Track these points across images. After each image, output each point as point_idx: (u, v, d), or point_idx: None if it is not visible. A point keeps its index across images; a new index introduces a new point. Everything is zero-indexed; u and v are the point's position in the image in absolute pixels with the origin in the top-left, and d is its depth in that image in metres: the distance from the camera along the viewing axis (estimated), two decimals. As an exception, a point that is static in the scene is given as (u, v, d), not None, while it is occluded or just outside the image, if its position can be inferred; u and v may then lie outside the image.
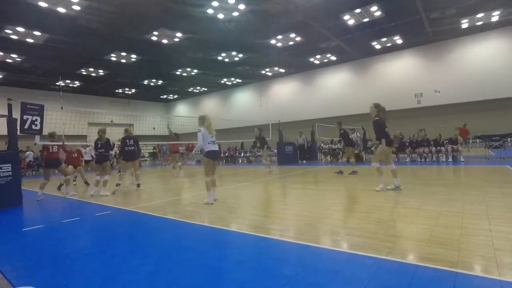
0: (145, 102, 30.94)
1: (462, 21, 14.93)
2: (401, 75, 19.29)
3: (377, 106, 6.15)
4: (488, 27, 15.99)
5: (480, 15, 14.21)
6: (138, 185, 8.27)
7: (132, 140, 8.47)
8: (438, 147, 11.82)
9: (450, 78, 17.68)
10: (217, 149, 5.92)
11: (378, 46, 18.12)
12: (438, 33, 16.40)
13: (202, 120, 5.72)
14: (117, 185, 8.05)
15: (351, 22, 13.92)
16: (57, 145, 7.88)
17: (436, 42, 17.82)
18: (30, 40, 13.62)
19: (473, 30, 16.29)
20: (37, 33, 12.97)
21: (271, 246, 3.16)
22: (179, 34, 14.24)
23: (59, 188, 9.05)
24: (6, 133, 7.03)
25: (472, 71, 17.07)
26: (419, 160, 12.14)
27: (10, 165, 6.61)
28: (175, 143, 11.78)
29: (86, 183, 10.08)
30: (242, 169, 11.91)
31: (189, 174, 12.50)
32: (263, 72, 22.61)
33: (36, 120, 7.06)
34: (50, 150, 7.73)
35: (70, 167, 9.60)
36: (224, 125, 21.61)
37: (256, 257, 2.90)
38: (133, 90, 25.99)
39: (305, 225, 3.80)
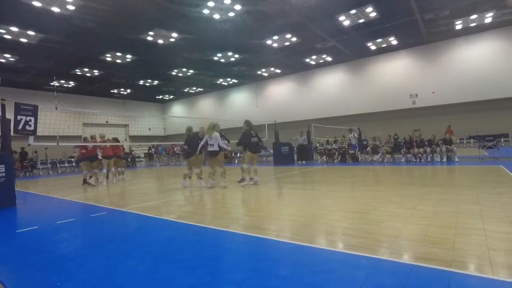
0: (141, 103, 30.80)
1: (456, 22, 15.09)
2: (396, 75, 19.44)
3: (246, 122, 8.31)
4: (481, 29, 16.18)
5: (473, 16, 14.37)
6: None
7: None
8: (432, 147, 11.91)
9: (445, 79, 17.86)
10: (213, 149, 7.73)
11: (373, 47, 18.24)
12: (433, 34, 16.55)
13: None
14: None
15: (346, 23, 13.99)
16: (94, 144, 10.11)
17: (431, 43, 17.99)
18: (24, 40, 13.49)
19: (467, 31, 16.47)
20: (31, 32, 12.85)
21: (267, 246, 3.16)
22: (174, 34, 14.20)
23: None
24: (-1, 134, 6.96)
25: (466, 72, 17.25)
26: (414, 160, 12.23)
27: (3, 166, 6.53)
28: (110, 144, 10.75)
29: (84, 180, 10.32)
30: (237, 170, 11.90)
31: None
32: (259, 72, 22.63)
33: (30, 120, 7.00)
34: (89, 149, 10.00)
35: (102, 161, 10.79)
36: (220, 126, 21.61)
37: (251, 257, 2.89)
38: (129, 90, 25.86)
39: (301, 225, 3.81)
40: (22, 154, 18.22)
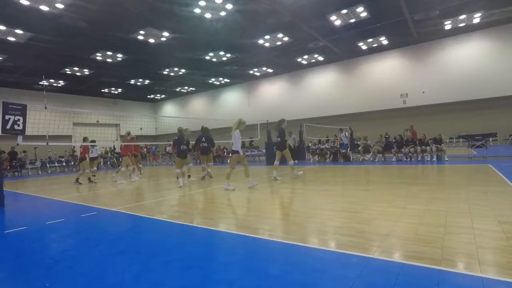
0: (132, 102, 30.48)
1: (446, 23, 15.33)
2: (387, 75, 19.65)
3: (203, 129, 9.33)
4: (470, 29, 16.47)
5: (462, 16, 14.62)
6: (210, 176, 9.89)
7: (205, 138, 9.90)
8: (423, 147, 12.09)
9: (434, 79, 18.13)
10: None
11: (364, 47, 18.40)
12: (423, 34, 16.78)
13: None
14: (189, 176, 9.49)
15: (337, 22, 14.08)
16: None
17: (421, 43, 18.24)
18: (11, 39, 13.21)
19: (456, 32, 16.75)
20: (19, 31, 12.59)
21: (259, 246, 3.16)
22: (166, 34, 14.08)
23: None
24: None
25: (455, 72, 17.55)
26: (405, 159, 12.38)
27: (-10, 167, 6.41)
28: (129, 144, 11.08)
29: (77, 179, 10.55)
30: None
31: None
32: (251, 72, 22.62)
33: (18, 120, 6.85)
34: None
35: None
36: (211, 125, 21.47)
37: (243, 257, 2.89)
38: (120, 90, 25.56)
39: (293, 225, 3.82)
40: (12, 153, 17.90)
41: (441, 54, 18.01)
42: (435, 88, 18.05)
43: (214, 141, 9.97)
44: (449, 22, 15.25)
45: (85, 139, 11.31)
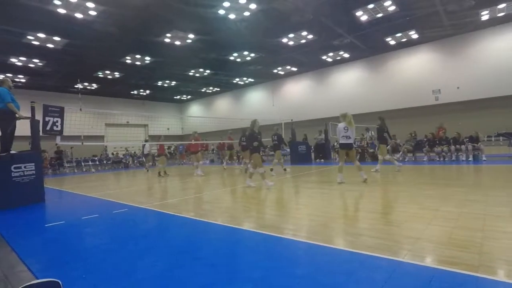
0: (159, 103, 31.41)
1: (482, 13, 14.37)
2: (418, 71, 18.78)
3: (252, 122, 8.47)
4: (510, 19, 15.34)
5: (501, 5, 13.63)
6: (285, 169, 10.95)
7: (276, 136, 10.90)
8: (457, 146, 11.45)
9: (470, 73, 17.07)
10: (349, 141, 7.67)
11: (392, 42, 17.70)
12: (457, 26, 15.86)
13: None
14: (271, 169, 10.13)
15: (364, 18, 13.65)
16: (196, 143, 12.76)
17: (455, 35, 17.23)
18: (50, 45, 14.09)
19: (494, 22, 15.66)
20: (56, 38, 13.41)
21: (284, 246, 3.15)
22: (191, 36, 14.38)
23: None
24: (29, 134, 7.31)
25: (493, 66, 16.41)
26: (438, 159, 11.80)
27: (33, 164, 6.88)
28: (198, 142, 13.11)
29: (159, 173, 12.30)
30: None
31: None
32: (275, 71, 22.52)
33: (57, 121, 7.34)
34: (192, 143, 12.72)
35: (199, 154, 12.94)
36: (237, 125, 21.67)
37: (269, 256, 2.89)
38: (148, 91, 26.44)
39: (319, 225, 3.77)
40: (58, 152, 19.38)
41: (477, 46, 16.92)
42: (471, 83, 16.99)
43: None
44: (486, 12, 14.27)
45: (160, 138, 13.04)
